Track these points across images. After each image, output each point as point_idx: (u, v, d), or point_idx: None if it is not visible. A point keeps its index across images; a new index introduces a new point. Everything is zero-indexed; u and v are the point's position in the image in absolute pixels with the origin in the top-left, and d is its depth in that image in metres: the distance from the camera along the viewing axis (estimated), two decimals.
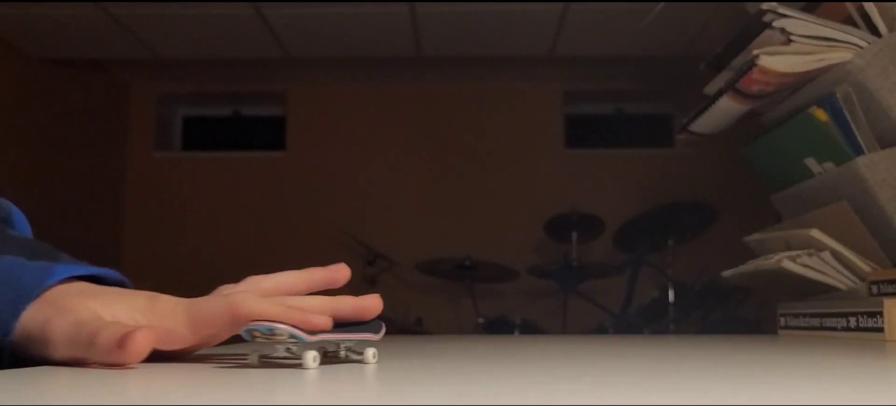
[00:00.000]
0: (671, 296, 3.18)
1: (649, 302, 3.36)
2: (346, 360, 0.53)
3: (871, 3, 1.24)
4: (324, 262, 0.61)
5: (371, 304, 0.57)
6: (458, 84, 4.35)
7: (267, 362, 0.51)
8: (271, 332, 0.49)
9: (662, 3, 2.96)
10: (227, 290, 0.58)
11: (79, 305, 0.52)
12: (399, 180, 4.33)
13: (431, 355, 0.67)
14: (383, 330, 0.55)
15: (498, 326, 3.39)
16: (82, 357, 0.50)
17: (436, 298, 3.91)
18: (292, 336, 0.49)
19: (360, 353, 0.53)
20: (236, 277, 0.61)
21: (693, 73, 1.55)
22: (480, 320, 3.43)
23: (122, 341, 0.48)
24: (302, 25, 3.34)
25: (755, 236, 1.42)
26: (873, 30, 1.24)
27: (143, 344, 0.48)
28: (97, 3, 3.06)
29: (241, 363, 0.52)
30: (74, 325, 0.50)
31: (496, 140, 4.32)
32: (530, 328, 3.37)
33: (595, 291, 3.59)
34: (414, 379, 0.43)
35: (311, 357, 0.48)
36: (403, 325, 3.37)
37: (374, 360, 0.53)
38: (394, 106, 4.38)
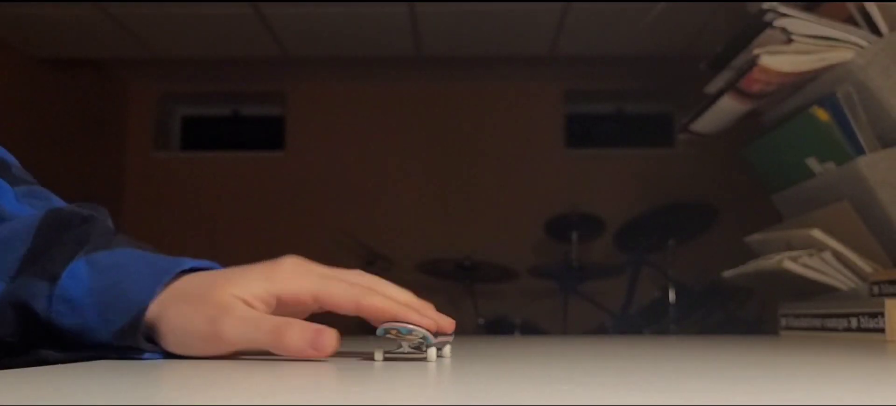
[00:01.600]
0: (672, 296, 3.17)
1: (650, 302, 3.35)
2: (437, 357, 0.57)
3: (871, 3, 1.23)
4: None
5: (447, 326, 0.60)
6: (457, 83, 4.34)
7: (390, 357, 0.55)
8: (409, 333, 0.54)
9: (663, 3, 2.95)
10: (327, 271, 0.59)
11: (230, 301, 0.55)
12: (399, 180, 4.32)
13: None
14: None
15: (498, 327, 3.38)
16: (222, 352, 0.54)
17: (436, 299, 3.83)
18: (424, 337, 0.54)
19: (441, 349, 0.58)
20: None
21: (694, 73, 1.55)
22: (480, 321, 3.43)
23: (315, 342, 0.53)
24: (301, 25, 3.34)
25: (756, 236, 1.41)
26: (874, 29, 1.23)
27: (333, 342, 0.53)
28: (95, 3, 3.06)
29: (366, 358, 0.55)
30: (244, 323, 0.54)
31: (496, 140, 4.31)
32: (530, 329, 3.37)
33: (595, 292, 3.59)
34: (413, 380, 0.43)
35: (435, 353, 0.54)
36: None
37: (449, 356, 0.59)
38: (393, 105, 4.38)
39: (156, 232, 4.23)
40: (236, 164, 4.42)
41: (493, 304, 3.71)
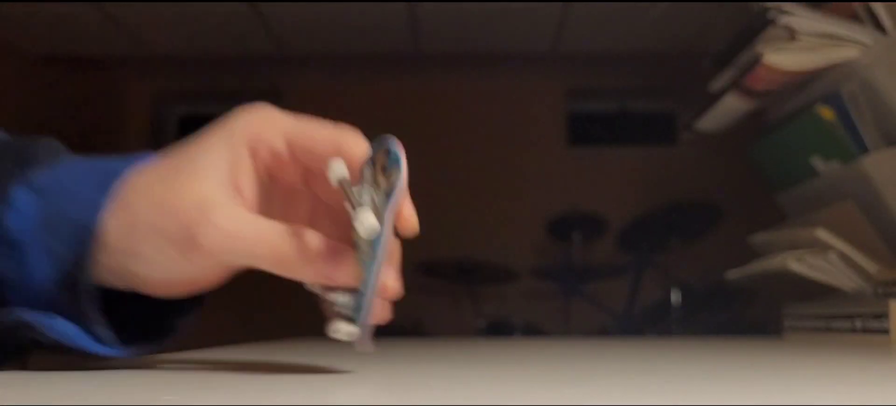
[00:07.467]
0: (675, 297, 3.16)
1: (653, 303, 3.34)
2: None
3: (877, 1, 1.22)
4: None
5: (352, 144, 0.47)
6: (458, 81, 4.33)
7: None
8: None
9: (666, 0, 2.95)
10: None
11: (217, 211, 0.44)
12: None
13: (431, 358, 0.66)
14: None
15: (499, 328, 3.37)
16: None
17: (436, 300, 3.89)
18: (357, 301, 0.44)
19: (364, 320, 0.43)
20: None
21: (697, 71, 1.54)
22: (481, 322, 3.42)
23: (330, 275, 0.44)
24: (298, 22, 3.33)
25: (760, 236, 1.40)
26: (880, 27, 1.22)
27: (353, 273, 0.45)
28: (91, 1, 3.06)
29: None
30: (234, 222, 0.43)
31: (497, 138, 4.31)
32: (532, 330, 3.36)
33: (598, 293, 3.58)
34: (413, 382, 0.42)
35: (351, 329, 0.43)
36: (403, 327, 3.35)
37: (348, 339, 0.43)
38: (392, 103, 4.37)
39: None
40: None
41: (494, 305, 3.70)
